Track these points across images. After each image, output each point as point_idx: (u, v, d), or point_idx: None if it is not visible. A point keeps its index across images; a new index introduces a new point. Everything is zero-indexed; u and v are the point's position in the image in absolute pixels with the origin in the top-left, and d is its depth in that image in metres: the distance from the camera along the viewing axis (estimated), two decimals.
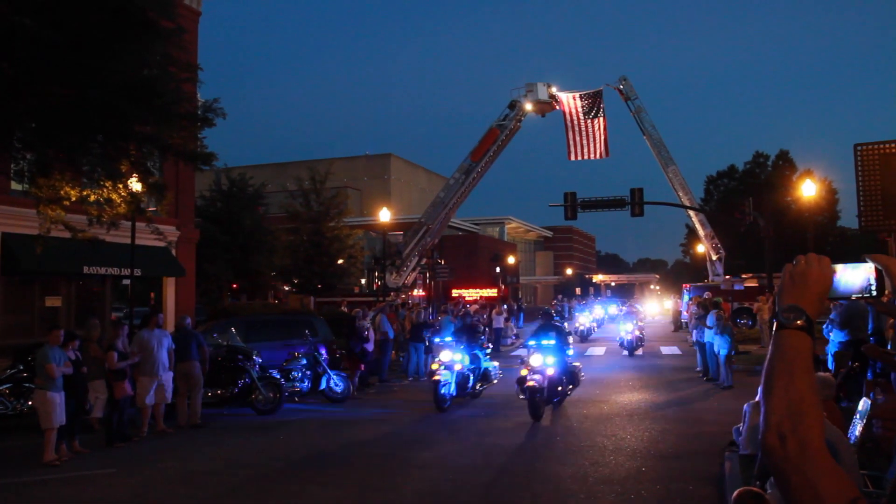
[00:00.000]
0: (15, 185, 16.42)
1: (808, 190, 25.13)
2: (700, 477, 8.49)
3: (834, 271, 1.45)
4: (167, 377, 11.98)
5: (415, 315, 23.44)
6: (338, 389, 14.91)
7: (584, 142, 36.57)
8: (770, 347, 1.39)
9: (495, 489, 8.30)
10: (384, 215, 30.34)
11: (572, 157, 37.06)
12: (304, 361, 14.83)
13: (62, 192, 12.58)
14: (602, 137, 36.29)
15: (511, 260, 59.42)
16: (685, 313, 30.60)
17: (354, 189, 57.41)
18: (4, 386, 12.23)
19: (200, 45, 23.89)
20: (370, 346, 16.87)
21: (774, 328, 1.40)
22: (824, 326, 12.90)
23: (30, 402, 11.82)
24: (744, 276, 34.90)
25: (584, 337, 31.37)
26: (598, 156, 36.73)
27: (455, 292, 45.41)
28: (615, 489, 8.06)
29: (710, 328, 16.55)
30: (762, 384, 1.35)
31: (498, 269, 53.43)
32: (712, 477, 8.43)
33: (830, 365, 11.81)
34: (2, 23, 10.20)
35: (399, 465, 9.42)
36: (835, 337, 12.57)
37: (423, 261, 35.66)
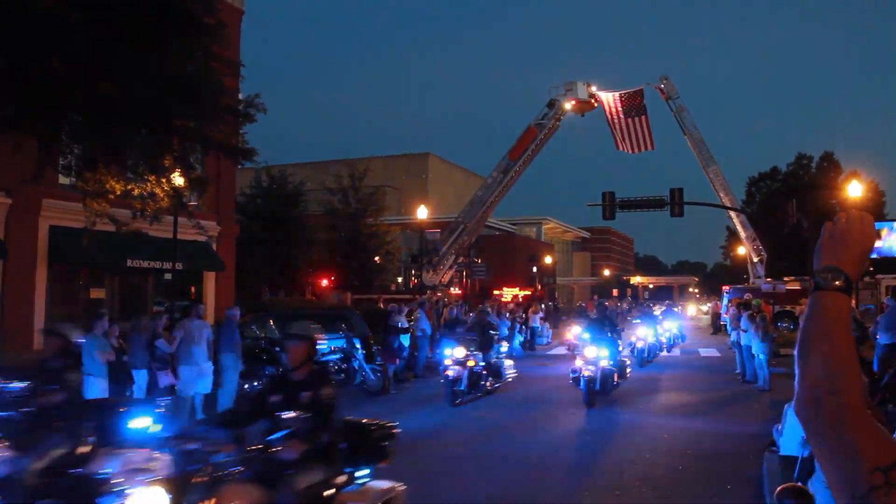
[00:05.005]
0: (62, 179, 16.82)
1: (853, 191, 24.57)
2: (738, 477, 8.35)
3: (877, 232, 1.40)
4: (207, 367, 12.17)
5: (446, 312, 23.48)
6: (373, 383, 14.99)
7: (627, 139, 36.24)
8: (807, 310, 1.34)
9: (529, 483, 8.27)
10: (421, 213, 30.43)
11: (619, 148, 36.68)
12: (340, 355, 14.94)
13: (107, 186, 12.84)
14: (646, 131, 35.89)
15: (548, 260, 59.12)
16: (724, 315, 30.14)
17: (392, 188, 57.66)
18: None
19: (243, 45, 24.23)
20: (406, 342, 16.97)
21: (811, 289, 1.36)
22: (872, 330, 12.67)
23: None
24: (786, 278, 34.24)
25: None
26: (642, 149, 36.28)
27: (507, 292, 45.02)
28: (651, 486, 7.98)
29: (744, 331, 16.36)
30: (797, 347, 1.31)
31: (535, 270, 53.19)
32: (751, 478, 8.27)
33: (876, 368, 11.55)
34: (50, 18, 10.46)
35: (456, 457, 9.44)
36: (880, 340, 12.32)
37: (460, 259, 35.67)
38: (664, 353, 23.70)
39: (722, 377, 17.93)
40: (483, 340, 14.76)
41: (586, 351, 13.36)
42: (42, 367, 5.28)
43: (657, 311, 31.77)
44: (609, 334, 14.10)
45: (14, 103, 10.95)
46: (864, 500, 1.12)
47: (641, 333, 21.20)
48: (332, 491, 4.49)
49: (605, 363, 13.30)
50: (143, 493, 4.04)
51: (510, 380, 15.71)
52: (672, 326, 26.26)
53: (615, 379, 13.99)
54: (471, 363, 13.91)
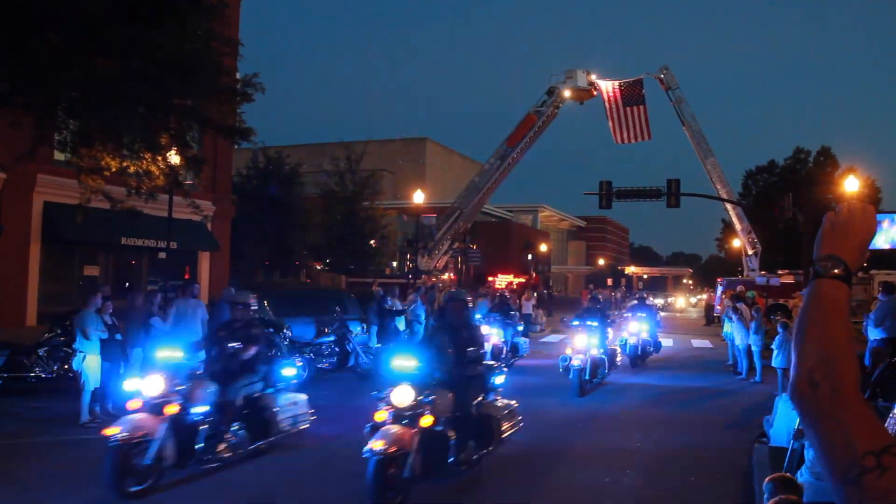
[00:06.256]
0: (57, 155, 16.73)
1: (850, 186, 24.63)
2: (726, 468, 8.41)
3: (877, 222, 1.41)
4: None
5: (440, 297, 23.56)
6: (366, 366, 15.02)
7: (625, 128, 36.14)
8: (805, 297, 1.36)
9: (514, 466, 8.30)
10: (418, 197, 30.37)
11: (617, 141, 36.61)
12: (333, 337, 14.97)
13: (103, 163, 12.78)
14: (643, 121, 35.78)
15: (543, 248, 59.22)
16: (718, 307, 30.25)
17: (389, 172, 57.52)
18: (42, 349, 12.55)
19: (242, 24, 24.10)
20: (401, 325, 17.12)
21: (811, 277, 1.37)
22: (864, 324, 12.76)
23: (66, 366, 12.13)
24: (780, 272, 34.37)
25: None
26: (640, 139, 36.17)
27: (501, 279, 45.10)
28: (639, 476, 8.03)
29: (732, 322, 16.53)
30: (795, 332, 1.32)
31: (530, 257, 53.26)
32: (739, 468, 8.34)
33: (867, 362, 11.61)
34: None
35: None
36: (871, 334, 12.40)
37: (455, 245, 35.67)
38: (609, 375, 14.99)
39: (714, 368, 18.03)
40: (223, 364, 8.07)
41: (393, 396, 6.74)
42: None
43: (629, 303, 22.91)
44: (448, 362, 7.37)
45: (10, 78, 10.88)
46: (855, 483, 1.13)
47: (580, 344, 13.21)
48: None
49: (428, 421, 6.64)
50: None
51: (302, 427, 8.81)
52: (642, 328, 17.97)
53: (457, 448, 6.98)
54: (171, 409, 7.15)
